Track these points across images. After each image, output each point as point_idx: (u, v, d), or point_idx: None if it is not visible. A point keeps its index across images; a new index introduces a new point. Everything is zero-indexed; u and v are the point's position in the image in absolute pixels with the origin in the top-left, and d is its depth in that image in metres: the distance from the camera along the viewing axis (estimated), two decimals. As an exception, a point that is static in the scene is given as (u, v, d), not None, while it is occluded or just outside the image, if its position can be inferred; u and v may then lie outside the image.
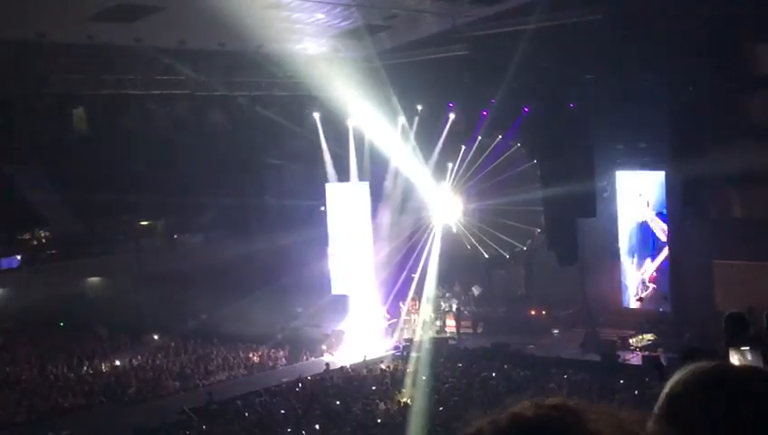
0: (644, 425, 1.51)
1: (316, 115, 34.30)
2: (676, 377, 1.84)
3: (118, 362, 29.40)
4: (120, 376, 27.81)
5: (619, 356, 27.86)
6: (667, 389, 1.83)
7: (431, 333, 31.56)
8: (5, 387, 26.51)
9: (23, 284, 34.60)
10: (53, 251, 37.23)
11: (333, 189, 35.37)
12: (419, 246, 33.79)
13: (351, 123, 33.86)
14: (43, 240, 37.85)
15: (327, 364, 28.00)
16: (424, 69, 30.88)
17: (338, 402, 23.80)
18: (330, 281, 34.83)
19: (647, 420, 1.53)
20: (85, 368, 28.66)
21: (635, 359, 27.76)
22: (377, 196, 34.74)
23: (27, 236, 37.62)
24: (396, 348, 30.43)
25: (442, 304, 33.67)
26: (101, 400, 25.95)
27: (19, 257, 35.63)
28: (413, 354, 28.45)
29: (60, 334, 33.36)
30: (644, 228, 31.03)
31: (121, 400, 26.03)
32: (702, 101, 27.96)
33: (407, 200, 34.38)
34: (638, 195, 30.94)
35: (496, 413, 1.50)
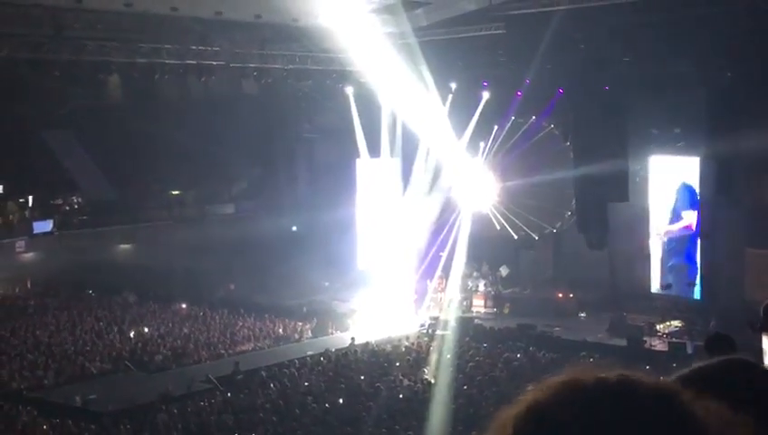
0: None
1: (349, 90, 34.26)
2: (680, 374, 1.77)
3: (146, 329, 29.68)
4: (147, 343, 28.07)
5: (645, 341, 27.76)
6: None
7: (457, 312, 31.57)
8: (35, 350, 26.84)
9: (55, 248, 34.97)
10: (85, 217, 37.58)
11: (364, 165, 35.36)
12: (448, 225, 33.72)
13: (384, 99, 33.78)
14: (76, 206, 38.23)
15: (352, 339, 28.10)
16: (459, 47, 30.72)
17: (362, 377, 23.88)
18: (357, 256, 34.90)
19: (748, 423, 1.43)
20: (113, 334, 28.97)
21: (661, 345, 27.68)
22: (407, 173, 34.70)
23: (60, 202, 38.00)
24: (421, 325, 30.46)
25: (469, 283, 33.68)
26: (128, 365, 26.23)
27: (52, 222, 35.99)
28: (438, 332, 28.48)
29: (89, 299, 33.75)
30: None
31: (148, 366, 26.28)
32: (738, 87, 27.59)
33: (437, 178, 34.29)
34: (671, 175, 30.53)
35: (603, 369, 1.35)
